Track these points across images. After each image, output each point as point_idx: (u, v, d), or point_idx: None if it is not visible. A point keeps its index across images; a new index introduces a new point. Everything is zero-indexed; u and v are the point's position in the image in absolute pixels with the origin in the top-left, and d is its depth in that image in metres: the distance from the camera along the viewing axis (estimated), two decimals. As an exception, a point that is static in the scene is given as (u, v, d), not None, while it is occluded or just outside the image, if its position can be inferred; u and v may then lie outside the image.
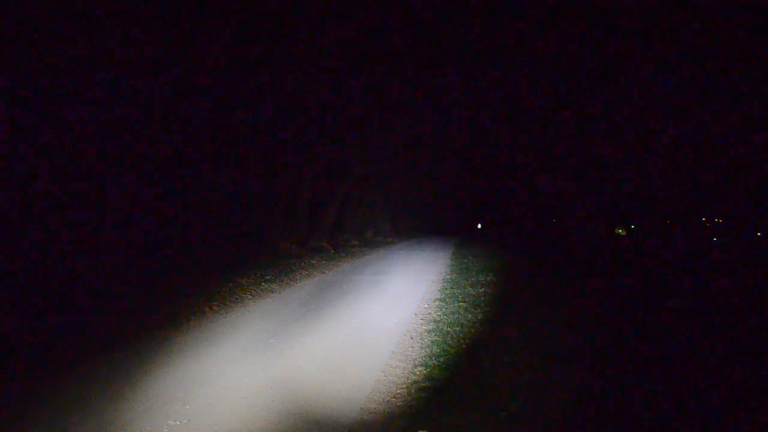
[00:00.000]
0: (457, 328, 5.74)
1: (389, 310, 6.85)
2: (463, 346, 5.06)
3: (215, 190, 11.56)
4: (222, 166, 11.71)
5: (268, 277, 9.83)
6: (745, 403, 3.72)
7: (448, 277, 10.38)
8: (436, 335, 5.46)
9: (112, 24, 7.83)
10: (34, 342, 5.18)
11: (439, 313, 6.60)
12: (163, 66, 8.84)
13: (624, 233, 41.22)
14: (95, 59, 7.71)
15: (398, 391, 3.87)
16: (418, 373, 4.28)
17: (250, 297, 7.83)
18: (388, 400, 3.70)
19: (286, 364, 4.50)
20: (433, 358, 4.66)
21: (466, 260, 14.14)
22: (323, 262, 13.28)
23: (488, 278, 9.96)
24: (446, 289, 8.68)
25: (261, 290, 8.43)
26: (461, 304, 7.24)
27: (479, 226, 49.82)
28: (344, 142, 16.68)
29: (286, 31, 10.89)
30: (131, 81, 8.25)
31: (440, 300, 7.59)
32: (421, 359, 4.64)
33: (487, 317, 6.37)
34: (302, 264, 12.34)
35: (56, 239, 7.73)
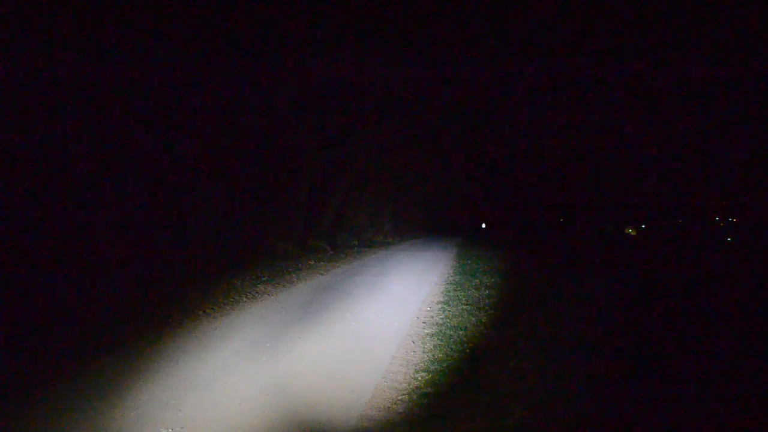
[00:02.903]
0: (461, 332, 5.60)
1: (390, 313, 6.70)
2: (467, 350, 4.92)
3: (209, 188, 11.40)
4: (217, 163, 11.56)
5: (264, 278, 9.67)
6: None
7: (452, 278, 10.21)
8: (438, 339, 5.31)
9: (110, 18, 7.72)
10: (21, 347, 5.05)
11: (442, 316, 6.45)
12: (158, 61, 8.72)
13: (634, 233, 40.57)
14: (90, 54, 7.60)
15: (399, 398, 3.73)
16: (420, 378, 4.14)
17: (245, 299, 7.66)
18: (389, 407, 3.57)
19: (283, 369, 4.36)
20: (436, 362, 4.52)
21: (470, 261, 13.97)
22: (322, 263, 13.10)
23: (493, 280, 9.81)
24: (449, 291, 8.53)
25: (257, 292, 8.27)
26: (465, 306, 7.08)
27: (483, 225, 49.60)
28: (344, 138, 16.51)
29: (286, 25, 10.77)
30: (126, 77, 8.13)
31: (443, 303, 7.44)
32: (423, 364, 4.50)
33: (492, 320, 6.23)
34: (300, 265, 12.17)
35: (48, 242, 7.60)
